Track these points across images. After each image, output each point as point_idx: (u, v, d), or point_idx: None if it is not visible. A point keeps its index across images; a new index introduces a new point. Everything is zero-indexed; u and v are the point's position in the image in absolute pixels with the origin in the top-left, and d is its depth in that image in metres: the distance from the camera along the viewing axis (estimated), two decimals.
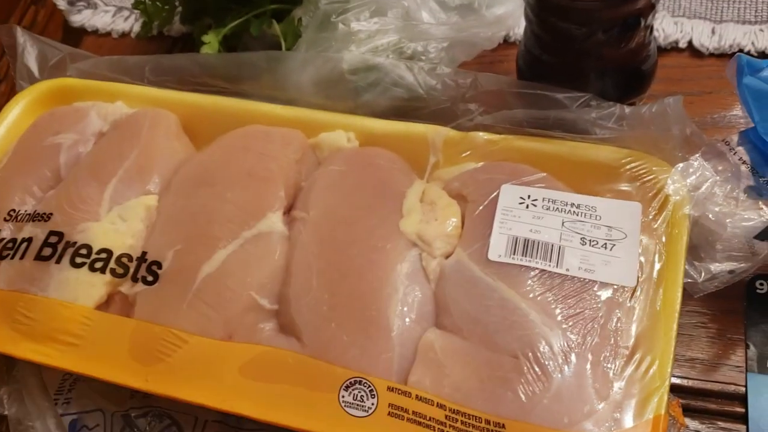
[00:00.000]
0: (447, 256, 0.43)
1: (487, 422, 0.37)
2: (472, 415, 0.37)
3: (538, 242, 0.41)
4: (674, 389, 0.38)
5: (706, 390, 0.43)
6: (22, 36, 0.60)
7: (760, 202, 0.39)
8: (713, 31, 0.57)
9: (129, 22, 0.73)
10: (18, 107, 0.57)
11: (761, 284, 0.44)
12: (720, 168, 0.40)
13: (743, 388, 0.42)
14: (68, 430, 0.43)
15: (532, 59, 0.51)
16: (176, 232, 0.46)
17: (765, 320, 0.43)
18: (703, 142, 0.42)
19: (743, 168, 0.40)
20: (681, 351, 0.42)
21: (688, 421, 0.41)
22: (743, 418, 0.41)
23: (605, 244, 0.41)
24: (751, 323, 0.44)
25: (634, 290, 0.39)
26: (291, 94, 0.53)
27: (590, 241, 0.41)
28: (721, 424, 0.42)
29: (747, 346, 0.43)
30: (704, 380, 0.43)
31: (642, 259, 0.41)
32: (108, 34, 0.73)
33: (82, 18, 0.74)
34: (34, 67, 0.59)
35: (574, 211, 0.42)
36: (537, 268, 0.40)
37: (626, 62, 0.49)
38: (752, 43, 0.56)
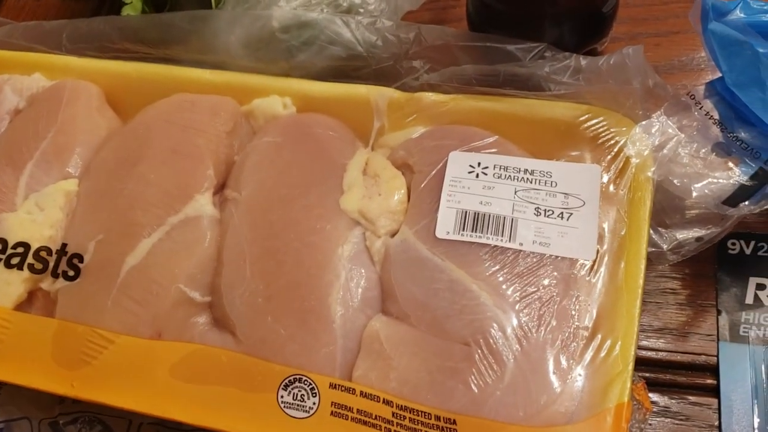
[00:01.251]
0: (392, 235, 0.40)
1: (437, 418, 0.34)
2: (421, 411, 0.34)
3: (489, 215, 0.38)
4: (641, 362, 0.35)
5: (675, 362, 0.40)
6: None
7: (729, 162, 0.35)
8: None
9: None
10: None
11: (733, 244, 0.41)
12: (685, 124, 0.37)
13: (714, 359, 0.40)
14: None
15: (482, 7, 0.47)
16: (97, 221, 0.42)
17: (737, 284, 0.40)
18: (667, 94, 0.38)
19: (710, 123, 0.36)
20: (648, 320, 0.39)
21: (656, 397, 0.39)
22: (715, 391, 0.39)
23: (561, 213, 0.38)
24: (723, 287, 0.41)
25: (594, 264, 0.36)
26: (220, 56, 0.48)
27: (545, 211, 0.38)
28: (692, 398, 0.39)
29: (718, 313, 0.40)
30: (673, 351, 0.40)
31: (603, 227, 0.37)
32: None
33: None
34: None
35: (527, 179, 0.39)
36: (488, 245, 0.37)
37: (584, 4, 0.45)
38: None
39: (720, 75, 0.37)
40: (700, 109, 0.36)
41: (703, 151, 0.36)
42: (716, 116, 0.36)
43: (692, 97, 0.37)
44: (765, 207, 0.35)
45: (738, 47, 0.35)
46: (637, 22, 0.51)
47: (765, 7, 0.35)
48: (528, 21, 0.46)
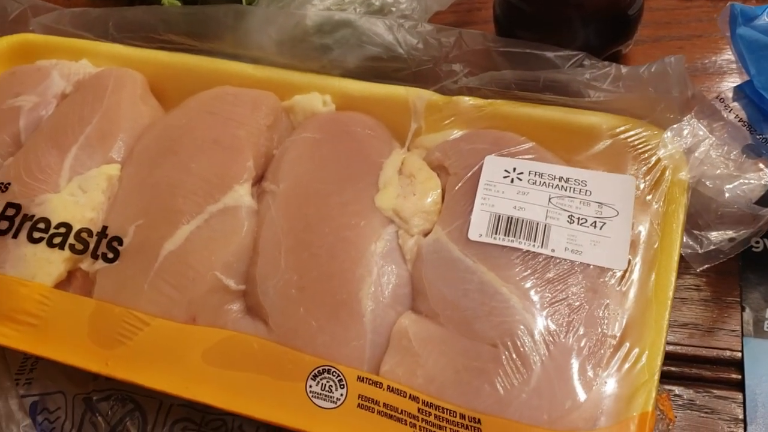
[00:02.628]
0: (425, 234, 0.40)
1: (462, 417, 0.34)
2: (447, 409, 0.35)
3: (523, 220, 0.38)
4: (667, 356, 0.35)
5: (701, 356, 0.40)
6: None
7: (760, 163, 0.36)
8: None
9: None
10: None
11: (757, 242, 0.41)
12: (715, 127, 0.37)
13: (739, 354, 0.40)
14: (29, 412, 0.42)
15: (510, 8, 0.48)
16: (138, 206, 0.43)
17: (762, 281, 0.41)
18: (705, 103, 0.39)
19: (740, 126, 0.36)
20: (674, 316, 0.40)
21: (681, 390, 0.39)
22: (739, 385, 0.39)
23: (595, 222, 0.38)
24: (747, 285, 0.41)
25: (624, 274, 0.37)
26: (254, 53, 0.49)
27: (578, 219, 0.38)
28: (717, 392, 0.39)
29: (743, 309, 0.41)
30: (698, 346, 0.40)
31: (636, 238, 0.38)
32: None
33: None
34: None
35: (562, 186, 0.39)
36: (520, 249, 0.37)
37: (611, 7, 0.46)
38: None
39: (748, 78, 0.37)
40: (730, 112, 0.37)
41: (734, 153, 0.36)
42: (745, 119, 0.37)
43: (721, 100, 0.37)
44: None
45: (766, 51, 0.35)
46: (660, 26, 0.52)
47: None
48: (556, 23, 0.46)
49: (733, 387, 0.39)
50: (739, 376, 0.40)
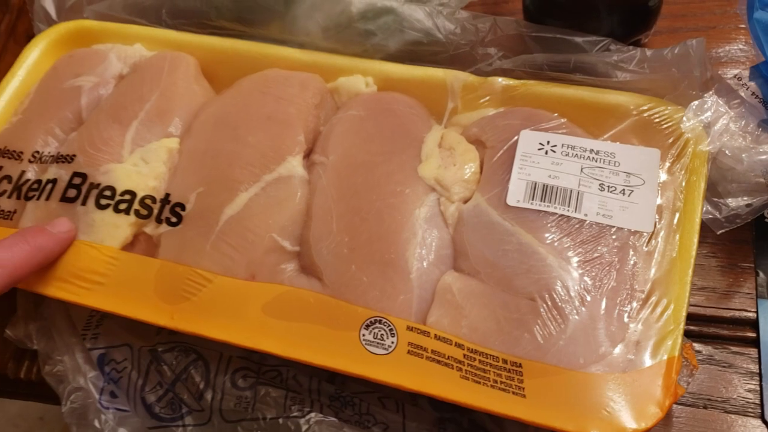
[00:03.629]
0: (465, 201, 0.44)
1: (504, 362, 0.38)
2: (490, 355, 0.38)
3: (557, 188, 0.42)
4: (688, 318, 0.39)
5: (719, 317, 0.44)
6: None
7: None
8: None
9: None
10: (37, 49, 0.57)
11: None
12: (733, 103, 0.40)
13: (754, 314, 0.43)
14: (96, 364, 0.45)
15: None
16: (198, 175, 0.46)
17: None
18: (721, 83, 0.42)
19: (756, 102, 0.40)
20: (693, 281, 0.43)
21: (701, 346, 0.43)
22: (754, 342, 0.43)
23: (623, 190, 0.41)
24: (760, 251, 0.45)
25: (651, 236, 0.40)
26: (301, 38, 0.53)
27: (608, 187, 0.42)
28: (734, 348, 0.43)
29: (757, 274, 0.44)
30: (716, 308, 0.44)
31: (662, 203, 0.41)
32: None
33: None
34: (51, 9, 0.59)
35: (592, 158, 0.43)
36: (555, 213, 0.41)
37: None
38: None
39: (763, 60, 0.40)
40: (747, 90, 0.40)
41: (751, 126, 0.40)
42: (761, 96, 0.40)
43: (739, 79, 0.41)
44: None
45: None
46: (677, 18, 0.55)
47: None
48: (583, 13, 0.49)
49: (749, 344, 0.43)
50: (754, 335, 0.43)
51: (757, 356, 0.42)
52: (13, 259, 0.41)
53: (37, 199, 0.48)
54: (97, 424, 0.44)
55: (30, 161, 0.50)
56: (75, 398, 0.45)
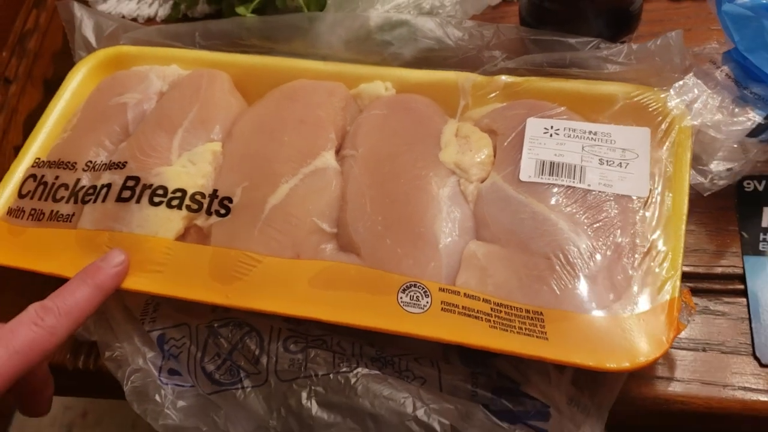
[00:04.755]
0: (482, 181, 0.50)
1: (527, 311, 0.43)
2: (514, 307, 0.43)
3: (563, 164, 0.48)
4: (684, 276, 0.44)
5: (711, 274, 0.49)
6: (78, 10, 0.65)
7: (747, 108, 0.46)
8: None
9: (153, 8, 0.77)
10: (80, 74, 0.63)
11: (748, 183, 0.51)
12: (710, 84, 0.47)
13: (741, 269, 0.49)
14: (156, 343, 0.50)
15: (534, 8, 0.58)
16: (242, 172, 0.52)
17: (754, 212, 0.50)
18: (700, 67, 0.49)
19: (730, 82, 0.46)
20: (686, 245, 0.48)
21: (697, 300, 0.48)
22: (743, 293, 0.48)
23: (620, 163, 0.47)
24: (743, 216, 0.51)
25: (647, 199, 0.46)
26: (324, 51, 0.59)
27: (607, 161, 0.48)
28: (726, 299, 0.49)
29: (741, 235, 0.50)
30: (708, 266, 0.49)
31: (654, 172, 0.47)
32: (134, 19, 0.78)
33: (108, 7, 0.79)
34: (91, 38, 0.65)
35: (592, 138, 0.49)
36: (563, 185, 0.47)
37: (617, 4, 0.56)
38: None
39: (733, 46, 0.47)
40: (721, 72, 0.47)
41: (726, 101, 0.46)
42: (733, 76, 0.46)
43: (714, 63, 0.47)
44: None
45: (746, 20, 0.45)
46: (655, 23, 0.61)
47: None
48: (574, 18, 0.56)
49: (738, 295, 0.49)
50: (742, 287, 0.49)
51: (746, 304, 0.48)
52: (78, 305, 0.45)
53: (94, 202, 0.53)
54: (157, 398, 0.49)
55: (84, 170, 0.56)
56: (135, 378, 0.50)
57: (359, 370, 0.45)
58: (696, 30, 0.61)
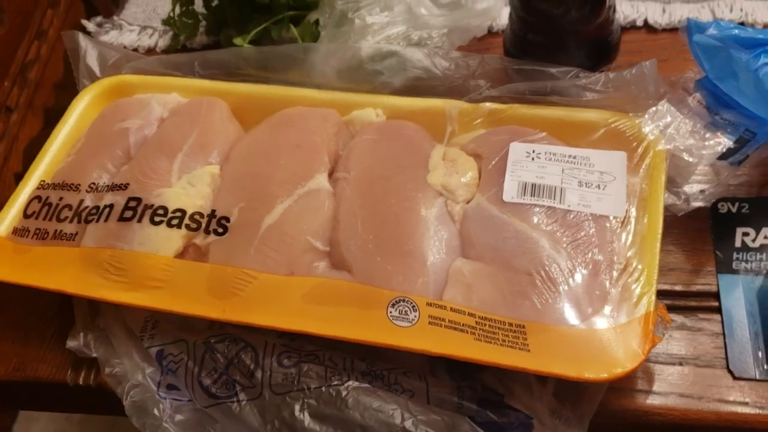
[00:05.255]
0: (468, 202, 0.52)
1: (510, 324, 0.45)
2: (498, 320, 0.46)
3: (544, 185, 0.50)
4: (661, 294, 0.46)
5: (687, 292, 0.52)
6: (83, 41, 0.68)
7: (718, 133, 0.48)
8: (664, 10, 0.68)
9: (153, 39, 0.81)
10: (84, 101, 0.66)
11: (722, 205, 0.54)
12: (683, 110, 0.50)
13: (716, 287, 0.51)
14: (155, 359, 0.51)
15: (518, 40, 0.61)
16: (239, 193, 0.54)
17: (727, 233, 0.53)
18: (673, 94, 0.52)
19: (701, 108, 0.49)
20: (663, 264, 0.50)
21: (674, 316, 0.50)
22: (718, 310, 0.51)
23: (599, 185, 0.50)
24: (717, 236, 0.53)
25: (624, 219, 0.48)
26: (318, 80, 0.62)
27: (586, 183, 0.50)
28: (701, 315, 0.51)
29: (716, 255, 0.52)
30: (685, 284, 0.52)
31: (629, 195, 0.50)
32: (135, 50, 0.81)
33: (109, 37, 0.82)
34: (95, 67, 0.68)
35: (571, 161, 0.51)
36: (544, 206, 0.49)
37: (596, 35, 0.59)
38: (696, 18, 0.66)
39: (704, 75, 0.50)
40: (693, 99, 0.50)
41: (698, 127, 0.49)
42: (705, 103, 0.49)
43: (686, 91, 0.50)
44: (746, 163, 0.48)
45: (715, 51, 0.48)
46: (634, 53, 0.65)
47: (731, 25, 0.49)
48: (556, 49, 0.59)
49: (713, 311, 0.51)
50: (717, 303, 0.51)
51: (720, 321, 0.50)
52: None
53: (96, 221, 0.56)
54: (156, 412, 0.51)
55: (87, 191, 0.58)
56: (134, 393, 0.52)
57: (350, 383, 0.47)
58: (672, 60, 0.64)
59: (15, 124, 0.75)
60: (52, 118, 0.66)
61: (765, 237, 0.52)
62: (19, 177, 0.71)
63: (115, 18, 0.84)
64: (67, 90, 0.71)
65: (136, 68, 0.68)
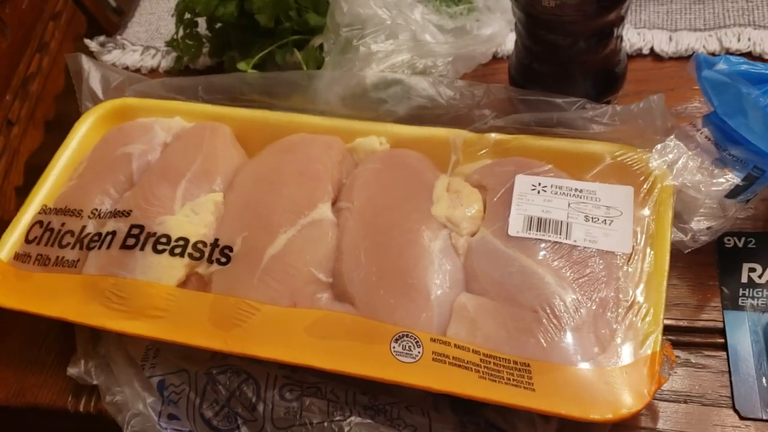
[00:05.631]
0: (472, 235, 0.52)
1: (515, 362, 0.45)
2: (502, 358, 0.45)
3: (549, 220, 0.50)
4: (666, 329, 0.46)
5: (692, 327, 0.51)
6: (86, 63, 0.68)
7: (726, 170, 0.48)
8: (670, 39, 0.67)
9: (156, 59, 0.81)
10: (86, 124, 0.66)
11: (728, 240, 0.53)
12: (691, 146, 0.49)
13: (721, 323, 0.51)
14: (156, 389, 0.51)
15: (523, 68, 0.61)
16: (242, 222, 0.54)
17: (733, 268, 0.52)
18: (681, 129, 0.51)
19: (709, 144, 0.49)
20: (668, 299, 0.50)
21: (679, 352, 0.50)
22: (723, 347, 0.50)
23: (605, 220, 0.50)
24: (723, 271, 0.53)
25: (630, 255, 0.48)
26: (321, 107, 0.62)
27: (592, 218, 0.50)
28: (706, 352, 0.50)
29: (721, 290, 0.52)
30: (690, 319, 0.51)
31: (636, 230, 0.49)
32: (137, 70, 0.81)
33: (112, 57, 0.82)
34: (98, 89, 0.68)
35: (577, 195, 0.51)
36: (549, 240, 0.49)
37: (603, 65, 0.58)
38: (703, 47, 0.66)
39: (713, 110, 0.50)
40: (701, 134, 0.49)
41: (706, 163, 0.48)
42: (713, 139, 0.49)
43: (694, 126, 0.50)
44: (753, 199, 0.49)
45: (724, 87, 0.48)
46: (641, 82, 0.64)
47: (740, 60, 0.48)
48: (562, 78, 0.59)
49: (719, 348, 0.50)
50: (723, 340, 0.50)
51: (726, 358, 0.50)
52: None
53: (99, 248, 0.55)
54: None
55: (89, 217, 0.58)
56: (135, 423, 0.51)
57: (352, 418, 0.47)
58: (679, 90, 0.64)
59: (16, 138, 0.75)
60: (54, 130, 0.66)
61: None
62: (19, 190, 0.71)
63: (118, 37, 0.84)
64: (68, 102, 0.71)
65: (139, 91, 0.68)
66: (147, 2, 0.89)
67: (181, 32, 0.75)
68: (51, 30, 0.83)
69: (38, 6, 0.81)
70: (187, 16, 0.74)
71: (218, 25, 0.73)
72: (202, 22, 0.75)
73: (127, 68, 0.81)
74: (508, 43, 0.68)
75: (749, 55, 0.64)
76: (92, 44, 0.84)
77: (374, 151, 0.58)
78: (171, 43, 0.76)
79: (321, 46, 0.67)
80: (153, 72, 0.81)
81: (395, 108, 0.60)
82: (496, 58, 0.70)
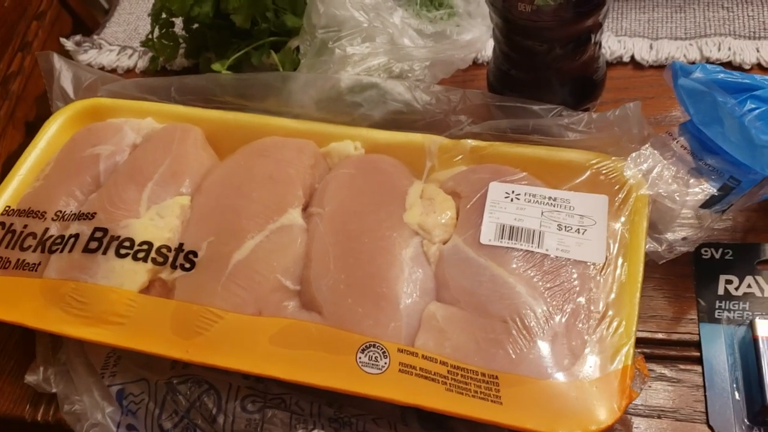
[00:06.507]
0: (444, 242, 0.50)
1: (483, 375, 0.44)
2: (470, 370, 0.44)
3: (522, 228, 0.49)
4: (641, 342, 0.45)
5: (667, 340, 0.50)
6: (58, 62, 0.67)
7: (701, 179, 0.47)
8: (651, 47, 0.66)
9: (133, 59, 0.79)
10: (56, 124, 0.64)
11: (705, 251, 0.52)
12: (667, 155, 0.48)
13: (697, 336, 0.50)
14: (116, 399, 0.49)
15: (501, 74, 0.59)
16: (209, 227, 0.52)
17: (711, 280, 0.51)
18: (657, 137, 0.50)
19: (685, 153, 0.48)
20: (644, 311, 0.49)
21: (654, 366, 0.49)
22: (699, 360, 0.49)
23: (578, 229, 0.49)
24: (700, 283, 0.51)
25: (603, 266, 0.47)
26: (296, 110, 0.60)
27: (565, 227, 0.49)
28: (681, 366, 0.49)
29: (698, 302, 0.51)
30: (665, 332, 0.50)
31: (609, 240, 0.48)
32: (113, 70, 0.79)
33: (88, 57, 0.81)
34: (69, 89, 0.66)
35: (551, 203, 0.50)
36: (522, 249, 0.48)
37: (581, 73, 0.57)
38: (684, 56, 0.65)
39: (689, 118, 0.49)
40: (677, 143, 0.48)
41: (682, 172, 0.47)
42: (689, 148, 0.48)
43: (670, 134, 0.49)
44: (731, 210, 0.47)
45: (701, 95, 0.47)
46: (620, 90, 0.64)
47: (717, 69, 0.47)
48: (540, 85, 0.58)
49: (694, 362, 0.49)
50: (698, 354, 0.49)
51: (701, 372, 0.48)
52: None
53: (61, 251, 0.54)
54: None
55: (53, 219, 0.56)
56: None
57: (316, 431, 0.45)
58: (659, 98, 0.64)
59: None
60: (34, 131, 0.64)
61: (748, 286, 0.50)
62: None
63: (95, 37, 0.82)
64: (49, 104, 0.70)
65: (111, 91, 0.66)
66: (126, 2, 0.87)
67: (157, 32, 0.73)
68: (34, 29, 0.81)
69: (21, 5, 0.80)
70: (164, 16, 0.72)
71: (195, 25, 0.72)
72: (179, 22, 0.73)
73: (103, 68, 0.79)
74: (488, 48, 0.67)
75: (729, 65, 0.63)
76: (68, 43, 0.82)
77: (348, 155, 0.57)
78: (146, 43, 0.75)
79: (298, 48, 0.66)
80: (129, 72, 0.79)
81: (371, 112, 0.59)
82: (476, 64, 0.69)
